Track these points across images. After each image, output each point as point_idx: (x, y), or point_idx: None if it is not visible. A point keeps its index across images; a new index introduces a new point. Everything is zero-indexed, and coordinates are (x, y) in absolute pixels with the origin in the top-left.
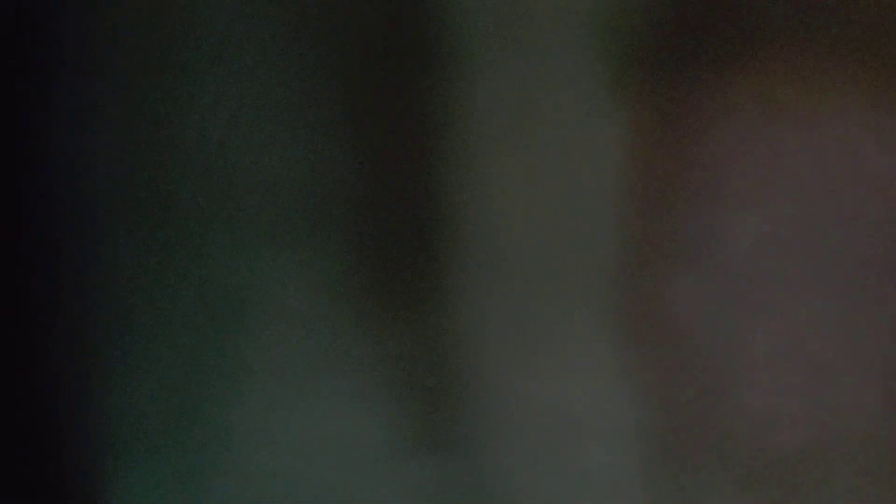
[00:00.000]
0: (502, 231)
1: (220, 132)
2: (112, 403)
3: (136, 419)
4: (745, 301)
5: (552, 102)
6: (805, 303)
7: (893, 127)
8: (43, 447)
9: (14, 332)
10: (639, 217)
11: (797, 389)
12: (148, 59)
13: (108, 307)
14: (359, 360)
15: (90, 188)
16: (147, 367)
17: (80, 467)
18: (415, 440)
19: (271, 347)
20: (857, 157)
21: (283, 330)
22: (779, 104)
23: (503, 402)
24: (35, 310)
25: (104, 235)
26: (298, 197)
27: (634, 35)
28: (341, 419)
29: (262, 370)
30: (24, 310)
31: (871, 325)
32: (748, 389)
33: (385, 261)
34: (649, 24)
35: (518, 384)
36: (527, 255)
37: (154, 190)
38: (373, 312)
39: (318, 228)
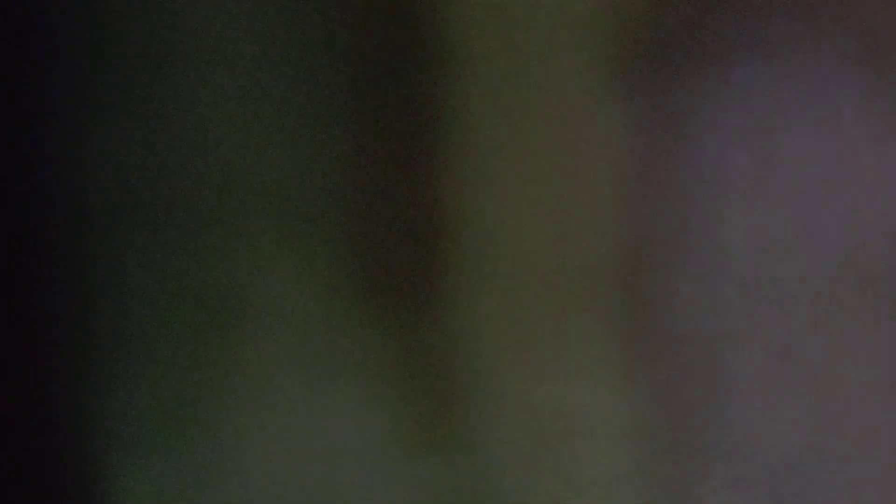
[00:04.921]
0: (502, 231)
1: (219, 132)
2: (111, 403)
3: (135, 419)
4: (745, 301)
5: (552, 102)
6: (805, 303)
7: (893, 127)
8: (42, 447)
9: (13, 332)
10: (638, 216)
11: (797, 390)
12: (147, 59)
13: (107, 307)
14: (358, 361)
15: (88, 188)
16: (146, 367)
17: (80, 467)
18: (415, 440)
19: (271, 347)
20: (857, 157)
21: (282, 330)
22: (778, 104)
23: (503, 402)
24: (34, 310)
25: (103, 235)
26: (298, 197)
27: (634, 35)
28: (341, 419)
29: (262, 370)
30: (23, 310)
31: (871, 325)
32: (748, 389)
33: (385, 261)
34: (649, 23)
35: (518, 384)
36: (527, 255)
37: (153, 190)
38: (373, 312)
39: (317, 228)
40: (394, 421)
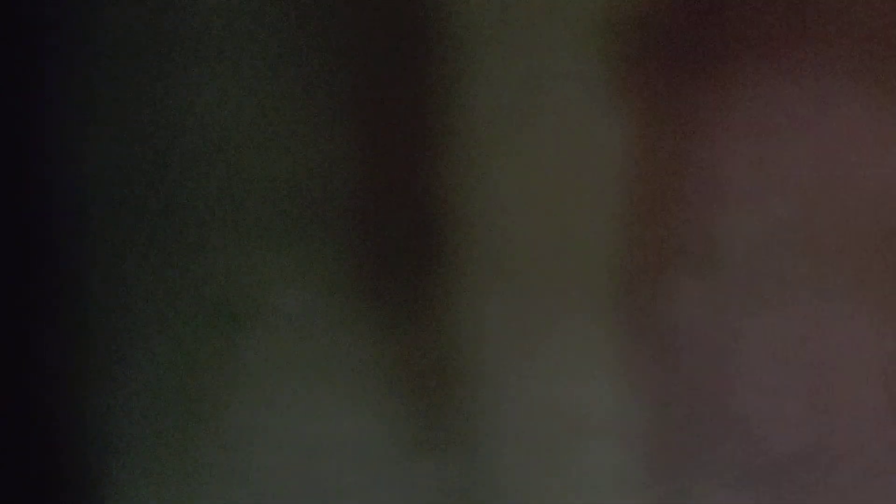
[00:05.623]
0: (502, 231)
1: (220, 132)
2: (112, 403)
3: (135, 419)
4: (745, 301)
5: (552, 102)
6: (805, 303)
7: (894, 127)
8: (42, 446)
9: (14, 332)
10: (638, 217)
11: (797, 390)
12: (148, 59)
13: (107, 307)
14: (358, 360)
15: (90, 188)
16: (147, 367)
17: (80, 467)
18: (415, 440)
19: (271, 348)
20: (857, 157)
21: (282, 330)
22: (778, 104)
23: (503, 402)
24: (35, 309)
25: (104, 235)
26: (298, 197)
27: (634, 35)
28: (341, 419)
29: (262, 370)
30: (24, 309)
31: (870, 325)
32: (748, 389)
33: (385, 261)
34: (649, 23)
35: (518, 384)
36: (527, 256)
37: (154, 190)
38: (372, 313)
39: (318, 228)
40: (394, 421)
